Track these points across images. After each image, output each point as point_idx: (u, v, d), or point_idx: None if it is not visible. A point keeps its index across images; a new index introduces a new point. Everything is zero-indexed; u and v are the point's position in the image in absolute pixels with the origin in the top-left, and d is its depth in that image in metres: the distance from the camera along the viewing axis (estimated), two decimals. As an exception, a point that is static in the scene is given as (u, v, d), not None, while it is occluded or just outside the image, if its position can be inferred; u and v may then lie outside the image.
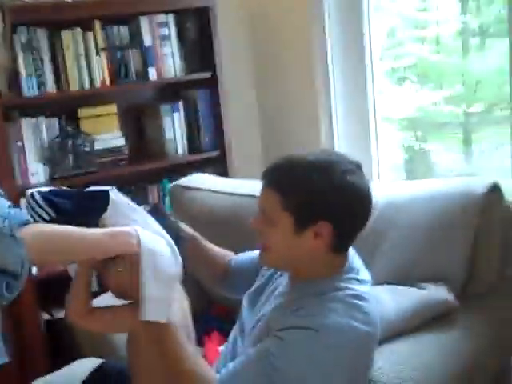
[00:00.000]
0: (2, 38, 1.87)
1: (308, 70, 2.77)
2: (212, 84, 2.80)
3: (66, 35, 2.53)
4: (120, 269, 1.25)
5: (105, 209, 1.30)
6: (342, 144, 2.78)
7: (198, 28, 2.77)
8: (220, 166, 2.85)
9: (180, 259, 1.29)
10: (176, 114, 2.83)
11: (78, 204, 1.31)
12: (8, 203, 1.21)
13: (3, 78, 2.42)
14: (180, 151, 2.85)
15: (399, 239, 1.73)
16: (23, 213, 1.22)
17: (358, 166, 1.35)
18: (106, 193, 1.32)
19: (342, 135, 2.78)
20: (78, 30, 2.55)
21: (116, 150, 2.73)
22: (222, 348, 1.67)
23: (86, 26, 2.57)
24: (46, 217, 1.28)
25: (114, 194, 1.32)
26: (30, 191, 1.31)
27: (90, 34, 2.57)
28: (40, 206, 1.29)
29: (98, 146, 2.67)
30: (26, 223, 1.18)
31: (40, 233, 1.20)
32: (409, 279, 1.66)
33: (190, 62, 2.79)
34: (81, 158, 2.62)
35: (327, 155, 1.36)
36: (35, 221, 1.27)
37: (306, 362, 1.24)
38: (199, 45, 2.79)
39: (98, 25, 2.59)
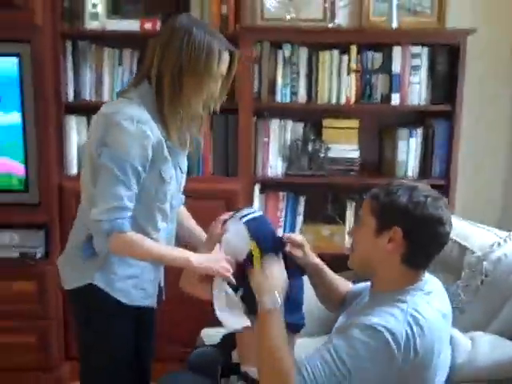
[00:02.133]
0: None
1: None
2: (451, 116, 2.92)
3: (325, 55, 2.92)
4: None
5: None
6: None
7: (449, 62, 2.91)
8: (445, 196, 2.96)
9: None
10: (413, 139, 3.01)
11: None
12: (124, 215, 1.73)
13: (266, 85, 2.92)
14: (410, 173, 3.03)
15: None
16: (127, 223, 1.74)
17: (441, 198, 1.57)
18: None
19: None
20: (336, 52, 2.92)
21: (349, 161, 3.03)
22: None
23: (343, 49, 2.92)
24: None
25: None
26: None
27: (345, 57, 2.92)
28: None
29: (333, 154, 3.01)
30: (123, 231, 1.72)
31: (124, 247, 1.75)
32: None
33: (434, 92, 2.95)
34: (315, 161, 3.00)
35: (418, 183, 1.59)
36: None
37: (364, 355, 1.45)
38: (447, 78, 2.93)
39: (354, 49, 2.91)
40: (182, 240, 2.04)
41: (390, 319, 1.46)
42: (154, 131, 1.74)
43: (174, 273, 1.97)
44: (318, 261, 1.87)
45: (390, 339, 1.43)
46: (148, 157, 1.73)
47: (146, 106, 1.75)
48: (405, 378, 1.46)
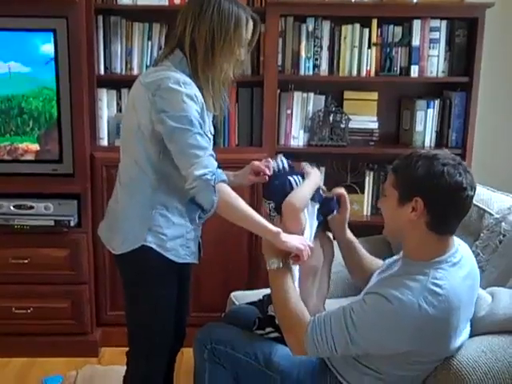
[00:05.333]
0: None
1: None
2: (469, 88, 3.02)
3: (347, 29, 3.01)
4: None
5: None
6: None
7: (467, 35, 3.00)
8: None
9: None
10: (430, 110, 3.11)
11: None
12: (216, 164, 1.84)
13: (290, 58, 3.01)
14: (427, 144, 3.14)
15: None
16: (223, 174, 1.85)
17: (460, 164, 1.63)
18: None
19: None
20: (357, 25, 3.01)
21: (368, 132, 3.14)
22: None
23: (365, 23, 3.00)
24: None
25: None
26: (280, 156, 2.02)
27: (366, 30, 3.01)
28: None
29: (353, 124, 3.12)
30: (223, 181, 1.82)
31: (228, 195, 1.82)
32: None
33: (452, 65, 3.04)
34: (336, 132, 3.11)
35: (439, 151, 1.67)
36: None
37: (375, 323, 1.59)
38: (465, 51, 3.02)
39: (375, 23, 3.00)
40: None
41: (405, 292, 1.56)
42: (198, 92, 1.87)
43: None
44: (351, 237, 1.99)
45: (400, 310, 1.54)
46: (199, 114, 1.85)
47: (182, 72, 1.87)
48: (419, 343, 1.59)
